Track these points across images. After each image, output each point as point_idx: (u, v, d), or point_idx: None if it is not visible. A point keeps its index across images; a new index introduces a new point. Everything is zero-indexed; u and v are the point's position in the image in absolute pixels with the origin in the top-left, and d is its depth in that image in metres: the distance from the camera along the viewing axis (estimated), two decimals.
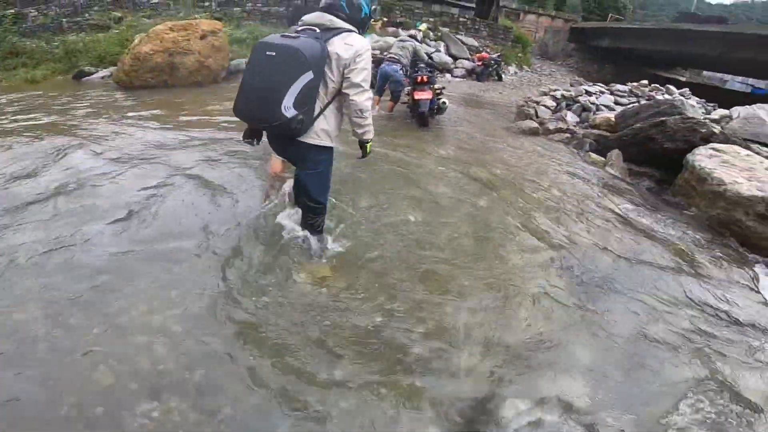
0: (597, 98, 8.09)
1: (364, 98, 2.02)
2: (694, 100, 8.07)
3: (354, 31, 2.04)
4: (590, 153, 5.17)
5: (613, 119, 6.54)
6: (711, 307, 2.48)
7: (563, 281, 2.47)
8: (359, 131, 2.14)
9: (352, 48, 1.96)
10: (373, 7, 2.22)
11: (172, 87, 7.32)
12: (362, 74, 1.99)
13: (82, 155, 3.45)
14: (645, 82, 9.85)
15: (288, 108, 1.86)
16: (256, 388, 1.55)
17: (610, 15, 27.91)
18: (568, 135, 5.89)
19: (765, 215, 3.35)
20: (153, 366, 1.58)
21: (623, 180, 4.60)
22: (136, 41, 7.57)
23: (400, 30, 13.42)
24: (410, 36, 6.51)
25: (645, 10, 47.82)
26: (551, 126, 6.18)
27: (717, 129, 4.67)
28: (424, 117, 5.54)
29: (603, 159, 5.01)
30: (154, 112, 5.42)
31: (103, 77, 8.53)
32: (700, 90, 10.39)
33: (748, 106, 5.61)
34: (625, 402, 1.72)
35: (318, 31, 1.96)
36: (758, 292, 2.80)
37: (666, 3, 57.52)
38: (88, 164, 3.26)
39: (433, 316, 2.02)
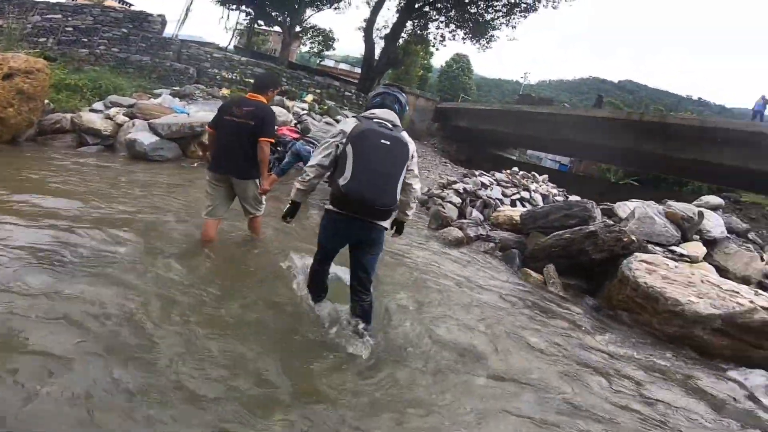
0: (491, 191, 8.29)
1: (420, 186, 2.51)
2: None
3: None
4: (528, 270, 4.91)
5: (517, 218, 6.53)
6: None
7: None
8: (409, 213, 2.56)
9: (413, 143, 2.31)
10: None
11: None
12: (417, 165, 2.44)
13: None
14: (516, 169, 10.65)
15: (398, 193, 2.22)
16: None
17: (461, 96, 32.16)
18: (492, 244, 5.65)
19: (720, 329, 3.64)
20: None
21: (569, 301, 4.39)
22: None
23: (284, 99, 12.65)
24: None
25: (479, 91, 58.00)
26: (471, 233, 5.86)
27: (634, 237, 4.84)
28: None
29: (540, 276, 4.79)
30: None
31: None
32: (526, 169, 11.39)
33: (637, 205, 5.88)
34: None
35: (391, 127, 2.23)
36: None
37: (494, 86, 72.44)
38: None
39: None
